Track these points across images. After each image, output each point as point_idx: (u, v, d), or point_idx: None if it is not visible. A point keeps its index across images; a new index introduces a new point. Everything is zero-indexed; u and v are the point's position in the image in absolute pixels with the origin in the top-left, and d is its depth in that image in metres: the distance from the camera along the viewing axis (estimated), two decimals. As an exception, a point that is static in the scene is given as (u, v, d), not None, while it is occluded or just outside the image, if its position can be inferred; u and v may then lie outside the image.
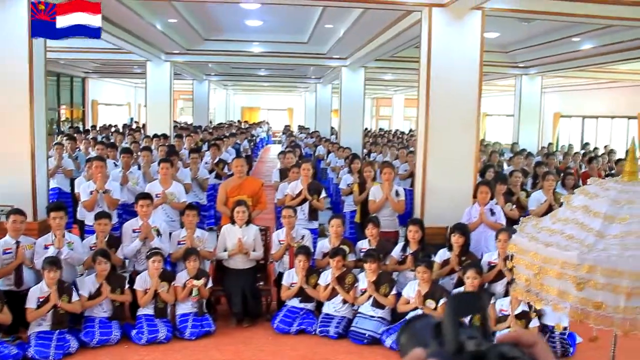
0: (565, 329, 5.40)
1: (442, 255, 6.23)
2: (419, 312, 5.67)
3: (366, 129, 21.28)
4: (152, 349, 5.47)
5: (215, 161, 10.39)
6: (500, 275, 5.81)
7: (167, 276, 5.99)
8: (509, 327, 5.32)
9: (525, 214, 7.13)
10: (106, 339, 5.49)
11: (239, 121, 30.97)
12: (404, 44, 10.35)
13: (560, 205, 3.12)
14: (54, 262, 5.42)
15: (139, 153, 9.33)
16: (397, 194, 7.31)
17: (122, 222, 6.96)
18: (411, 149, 11.72)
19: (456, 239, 6.11)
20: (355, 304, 6.03)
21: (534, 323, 5.33)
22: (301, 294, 6.14)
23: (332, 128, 21.06)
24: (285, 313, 6.07)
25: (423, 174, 7.14)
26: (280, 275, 6.47)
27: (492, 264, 5.91)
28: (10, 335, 5.35)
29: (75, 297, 5.56)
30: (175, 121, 19.21)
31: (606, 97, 19.21)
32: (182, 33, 12.37)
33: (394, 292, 5.94)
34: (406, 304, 5.80)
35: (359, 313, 5.95)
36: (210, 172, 9.95)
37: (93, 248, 6.12)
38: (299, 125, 29.45)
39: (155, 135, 12.69)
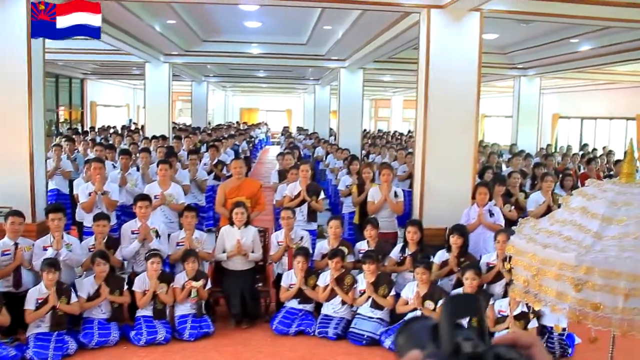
0: (564, 329, 5.41)
1: (440, 256, 6.24)
2: (418, 313, 5.67)
3: (365, 130, 21.29)
4: (151, 350, 5.47)
5: (214, 162, 10.39)
6: (499, 276, 5.81)
7: (166, 277, 5.99)
8: (507, 328, 5.32)
9: (523, 215, 7.14)
10: (105, 340, 5.49)
11: (237, 122, 30.99)
12: (403, 46, 10.36)
13: (559, 206, 3.13)
14: (52, 264, 5.43)
15: (138, 154, 9.33)
16: (395, 195, 7.32)
17: (121, 223, 6.96)
18: (410, 150, 11.74)
19: (455, 240, 6.11)
20: (354, 305, 6.03)
21: (533, 324, 5.33)
22: (300, 295, 6.14)
23: (330, 129, 21.07)
24: (284, 314, 6.07)
25: (422, 175, 7.14)
26: (279, 276, 6.47)
27: (491, 265, 5.92)
28: (8, 336, 5.36)
29: (74, 299, 5.56)
30: (174, 122, 19.20)
31: (605, 99, 19.23)
32: (181, 34, 12.37)
33: (392, 293, 5.95)
34: (405, 305, 5.80)
35: (358, 314, 5.96)
36: (209, 173, 9.96)
37: (92, 249, 6.12)
38: (298, 127, 29.45)
39: (153, 137, 12.68)
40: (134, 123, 26.03)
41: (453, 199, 7.02)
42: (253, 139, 24.20)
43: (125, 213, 7.70)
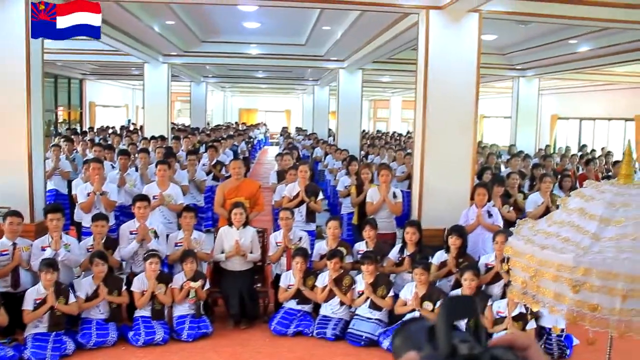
0: (562, 331, 5.41)
1: (439, 257, 6.24)
2: (417, 314, 5.67)
3: (364, 131, 21.29)
4: (149, 351, 5.47)
5: (213, 163, 10.38)
6: (497, 277, 5.82)
7: (165, 278, 5.99)
8: (506, 329, 5.33)
9: (522, 215, 7.15)
10: (103, 340, 5.49)
11: (236, 123, 30.99)
12: (402, 46, 10.37)
13: (557, 207, 3.13)
14: (50, 264, 5.42)
15: (137, 155, 9.32)
16: (394, 195, 7.32)
17: (120, 223, 6.96)
18: (409, 151, 11.74)
19: (453, 241, 6.11)
20: (353, 305, 6.03)
21: (531, 325, 5.33)
22: (298, 296, 6.14)
23: (329, 130, 21.07)
24: (282, 315, 6.07)
25: (420, 176, 7.15)
26: (278, 277, 6.47)
27: (490, 266, 5.92)
28: (6, 337, 5.35)
29: (72, 299, 5.56)
30: (172, 123, 19.20)
31: (603, 100, 19.25)
32: (180, 35, 12.37)
33: (391, 294, 5.95)
34: (403, 305, 5.80)
35: (356, 315, 5.96)
36: (208, 173, 9.95)
37: (90, 250, 6.11)
38: (297, 127, 29.46)
39: (152, 137, 12.67)
40: (133, 123, 26.03)
41: (452, 200, 7.02)
42: (252, 140, 24.20)
43: (124, 213, 7.70)
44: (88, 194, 6.98)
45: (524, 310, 5.30)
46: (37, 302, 5.38)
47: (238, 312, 6.12)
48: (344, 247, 6.43)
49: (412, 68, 7.94)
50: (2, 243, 5.73)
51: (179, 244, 6.42)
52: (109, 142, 12.46)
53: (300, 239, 6.61)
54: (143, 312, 5.84)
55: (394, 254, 6.46)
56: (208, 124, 25.33)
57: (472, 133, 7.20)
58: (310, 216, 7.45)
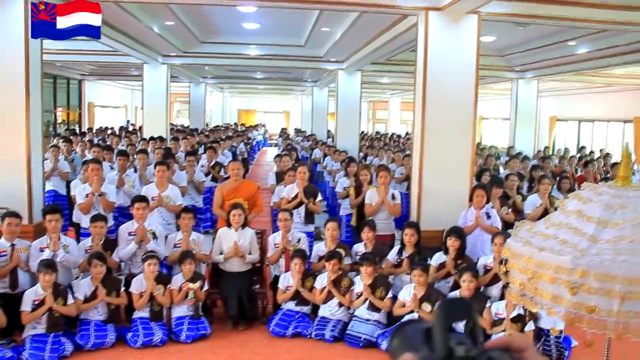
0: (560, 332, 5.42)
1: (438, 258, 6.25)
2: (415, 315, 5.68)
3: (362, 132, 21.30)
4: (148, 352, 5.47)
5: (212, 164, 10.39)
6: (496, 279, 5.82)
7: (163, 279, 5.99)
8: (504, 330, 5.33)
9: (521, 217, 7.15)
10: (101, 342, 5.49)
11: (235, 124, 30.99)
12: (401, 48, 10.37)
13: (556, 209, 3.14)
14: (49, 265, 5.42)
15: (135, 156, 9.33)
16: (393, 197, 7.32)
17: (118, 224, 6.96)
18: (407, 152, 11.75)
19: (452, 243, 6.12)
20: (351, 307, 6.04)
21: (530, 327, 5.34)
22: (297, 297, 6.14)
23: (328, 131, 21.09)
24: (281, 316, 6.07)
25: (419, 178, 7.15)
26: (276, 278, 6.47)
27: (488, 268, 5.93)
28: (4, 338, 5.34)
29: (70, 300, 5.56)
30: (171, 124, 19.21)
31: (602, 101, 19.27)
32: (179, 36, 12.37)
33: (389, 295, 5.95)
34: (402, 307, 5.80)
35: (355, 316, 5.96)
36: (207, 175, 9.96)
37: (89, 251, 6.11)
38: (296, 129, 29.49)
39: (151, 138, 12.68)
40: (132, 124, 26.02)
41: (450, 202, 7.02)
42: (251, 141, 24.20)
43: (123, 214, 7.70)
44: (87, 195, 6.98)
45: (522, 312, 5.31)
46: (36, 303, 5.38)
47: (237, 313, 6.12)
48: (342, 249, 6.43)
49: (411, 69, 7.95)
50: (1, 244, 5.72)
51: (177, 245, 6.42)
52: (108, 143, 12.47)
53: (299, 240, 6.62)
54: (142, 313, 5.84)
55: (392, 256, 6.46)
56: (207, 125, 25.32)
57: (471, 134, 7.21)
58: (309, 217, 7.45)
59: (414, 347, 0.83)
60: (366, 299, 5.93)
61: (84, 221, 6.96)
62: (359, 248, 6.59)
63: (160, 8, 9.38)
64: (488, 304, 5.55)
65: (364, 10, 7.79)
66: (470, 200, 6.87)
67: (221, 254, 6.34)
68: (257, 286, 6.54)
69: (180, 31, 11.77)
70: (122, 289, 5.92)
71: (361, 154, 15.12)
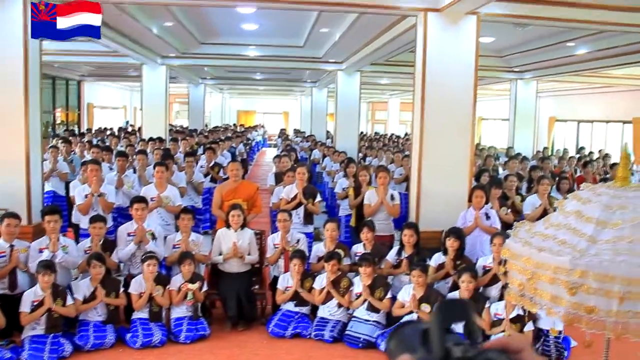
0: (560, 332, 5.42)
1: (437, 259, 6.24)
2: (414, 316, 5.68)
3: (362, 132, 21.30)
4: (147, 353, 5.46)
5: (211, 165, 10.39)
6: (495, 279, 5.82)
7: (162, 280, 5.98)
8: (503, 331, 5.33)
9: (520, 218, 7.15)
10: (100, 342, 5.48)
11: (234, 125, 30.99)
12: (400, 48, 10.38)
13: (555, 209, 3.14)
14: (48, 266, 5.41)
15: (135, 156, 9.33)
16: (392, 198, 7.32)
17: (117, 225, 6.96)
18: (406, 153, 11.75)
19: (451, 243, 6.12)
20: (351, 307, 6.03)
21: (529, 327, 5.34)
22: (296, 298, 6.14)
23: (327, 132, 21.09)
24: (280, 317, 6.07)
25: (418, 178, 7.15)
26: (275, 279, 6.47)
27: (487, 268, 5.93)
28: (3, 339, 5.34)
29: (69, 301, 5.55)
30: (170, 124, 19.21)
31: (601, 102, 19.28)
32: (178, 36, 12.37)
33: (389, 296, 5.95)
34: (401, 307, 5.80)
35: (354, 317, 5.96)
36: (206, 175, 9.95)
37: (88, 252, 6.11)
38: (295, 129, 29.49)
39: (150, 139, 12.68)
40: (131, 125, 26.02)
41: (449, 202, 7.02)
42: (250, 142, 24.20)
43: (122, 215, 7.70)
44: (86, 196, 6.98)
45: (521, 312, 5.31)
46: (35, 304, 5.37)
47: (236, 314, 6.12)
48: (341, 249, 6.43)
49: (410, 70, 7.95)
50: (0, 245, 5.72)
51: (176, 246, 6.42)
52: (107, 144, 12.45)
53: (298, 241, 6.62)
54: (141, 314, 5.84)
55: (391, 256, 6.46)
56: (206, 125, 25.34)
57: (470, 135, 7.21)
58: (308, 218, 7.45)
59: (411, 348, 0.83)
60: (365, 300, 5.93)
61: (83, 222, 6.96)
62: (358, 249, 6.59)
63: (159, 9, 9.38)
64: (487, 305, 5.55)
65: (363, 11, 7.79)
66: (470, 200, 6.88)
67: (220, 254, 6.34)
68: (256, 287, 6.54)
69: (179, 32, 11.77)
70: (121, 289, 5.92)
71: (360, 155, 15.12)
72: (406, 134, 24.72)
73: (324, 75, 17.74)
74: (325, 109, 21.47)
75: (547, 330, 5.37)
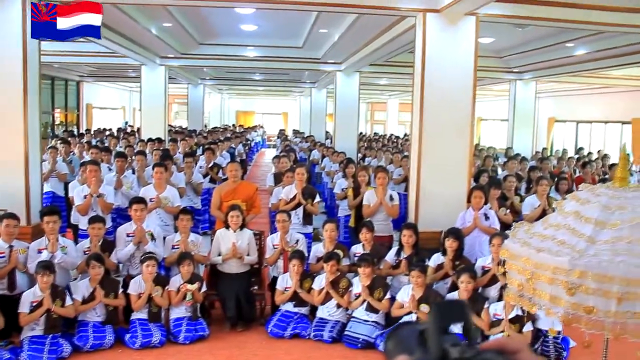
0: (559, 333, 5.42)
1: (436, 259, 6.25)
2: (413, 316, 5.68)
3: (361, 133, 21.30)
4: (146, 353, 5.46)
5: (210, 165, 10.38)
6: (494, 280, 5.82)
7: (161, 280, 5.98)
8: (503, 331, 5.33)
9: (519, 218, 7.16)
10: (100, 343, 5.48)
11: (233, 125, 30.99)
12: (399, 49, 10.38)
13: (554, 210, 3.14)
14: (47, 267, 5.41)
15: (134, 157, 9.32)
16: (391, 198, 7.32)
17: (116, 226, 6.95)
18: (405, 153, 11.76)
19: (450, 244, 6.12)
20: (350, 308, 6.04)
21: (528, 327, 5.34)
22: (295, 299, 6.14)
23: (326, 132, 21.09)
24: (279, 317, 6.07)
25: (417, 179, 7.15)
26: (275, 279, 6.47)
27: (486, 269, 5.93)
28: (2, 339, 5.34)
29: (68, 302, 5.55)
30: (169, 125, 19.20)
31: (600, 102, 19.30)
32: (177, 37, 12.37)
33: (388, 296, 5.95)
34: (400, 308, 5.81)
35: (353, 317, 5.96)
36: (205, 176, 9.95)
37: (87, 252, 6.11)
38: (294, 130, 29.48)
39: (149, 139, 12.68)
40: (130, 126, 26.00)
41: (448, 203, 7.03)
42: (249, 142, 24.20)
43: (121, 216, 7.70)
44: (85, 197, 6.98)
45: (520, 313, 5.31)
46: (34, 304, 5.37)
47: (235, 314, 6.12)
48: (340, 250, 6.44)
49: (409, 71, 7.95)
50: (-2, 245, 5.72)
51: (175, 247, 6.42)
52: (106, 145, 12.45)
53: (297, 241, 6.62)
54: (140, 314, 5.83)
55: (390, 257, 6.46)
56: (205, 126, 25.34)
57: (469, 136, 7.21)
58: (307, 219, 7.45)
59: (408, 349, 0.83)
60: (364, 300, 5.93)
61: (82, 222, 6.96)
62: (357, 249, 6.59)
63: (158, 10, 9.38)
64: (486, 305, 5.55)
65: (362, 11, 7.80)
66: (469, 201, 6.88)
67: (219, 255, 6.34)
68: (256, 287, 6.54)
69: (178, 33, 11.77)
70: (121, 290, 5.91)
71: (359, 155, 15.12)
72: (405, 135, 24.72)
73: (323, 75, 17.74)
74: (325, 109, 21.47)
75: (546, 331, 5.37)
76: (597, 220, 2.74)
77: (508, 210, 7.33)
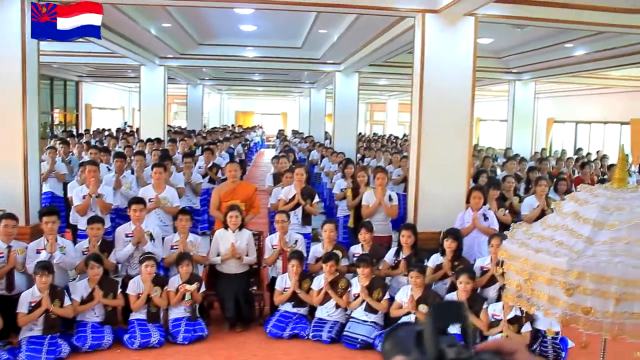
0: (557, 333, 5.42)
1: (435, 260, 6.25)
2: (412, 317, 5.68)
3: (360, 133, 21.30)
4: (145, 354, 5.46)
5: (209, 165, 10.39)
6: (492, 280, 5.83)
7: (160, 281, 5.98)
8: (501, 331, 5.33)
9: (518, 219, 7.16)
10: (98, 343, 5.48)
11: (232, 125, 30.99)
12: (398, 50, 10.38)
13: (552, 210, 3.15)
14: (46, 267, 5.41)
15: (133, 157, 9.32)
16: (390, 199, 7.32)
17: (115, 226, 6.95)
18: (405, 154, 11.76)
19: (449, 244, 6.12)
20: (348, 308, 6.04)
21: (527, 328, 5.34)
22: (294, 299, 6.14)
23: (326, 133, 21.09)
24: (278, 318, 6.07)
25: (416, 179, 7.16)
26: (273, 279, 6.47)
27: (485, 269, 5.93)
28: (1, 340, 5.33)
29: (67, 302, 5.55)
30: (169, 125, 19.19)
31: (599, 103, 19.32)
32: (176, 38, 12.37)
33: (386, 296, 5.95)
34: (399, 308, 5.81)
35: (352, 318, 5.96)
36: (204, 176, 9.95)
37: (85, 252, 6.10)
38: (293, 130, 29.49)
39: (148, 140, 12.67)
40: (129, 126, 25.98)
41: (447, 203, 7.03)
42: (248, 142, 24.20)
43: (120, 216, 7.69)
44: (84, 197, 6.98)
45: (519, 313, 5.31)
46: (32, 305, 5.36)
47: (234, 315, 6.12)
48: (339, 250, 6.44)
49: (408, 71, 7.95)
50: (-3, 246, 5.71)
51: (174, 247, 6.42)
52: (105, 145, 12.45)
53: (296, 241, 6.62)
54: (139, 314, 5.83)
55: (389, 257, 6.47)
56: (204, 126, 25.34)
57: (468, 136, 7.21)
58: (306, 219, 7.46)
59: (405, 350, 0.83)
60: (363, 301, 5.93)
61: (81, 223, 6.95)
62: (356, 249, 6.59)
63: (157, 10, 9.38)
64: (485, 306, 5.55)
65: (361, 12, 7.80)
66: (468, 201, 6.88)
67: (218, 255, 6.34)
68: (254, 288, 6.54)
69: (178, 33, 11.77)
70: (119, 290, 5.91)
71: (359, 156, 15.12)
72: (404, 135, 24.72)
73: (322, 76, 17.75)
74: (324, 109, 21.48)
75: (545, 331, 5.37)
76: (595, 221, 2.74)
77: (507, 211, 7.33)
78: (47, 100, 20.15)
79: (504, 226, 6.66)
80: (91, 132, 18.05)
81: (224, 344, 5.77)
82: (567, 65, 12.77)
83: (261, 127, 36.29)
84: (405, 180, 9.76)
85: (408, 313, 5.72)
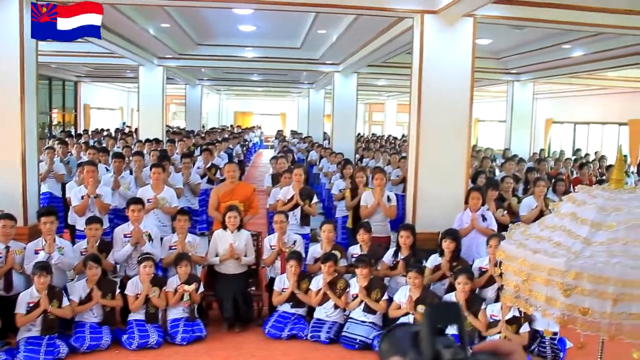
0: (555, 334, 5.43)
1: (433, 260, 6.25)
2: (410, 317, 5.69)
3: (359, 134, 21.30)
4: (143, 354, 5.46)
5: (208, 166, 10.38)
6: (491, 281, 5.83)
7: (159, 281, 5.98)
8: (499, 332, 5.34)
9: (516, 219, 7.17)
10: (96, 344, 5.47)
11: (231, 126, 30.98)
12: (397, 50, 10.39)
13: (551, 211, 3.15)
14: (44, 267, 5.40)
15: (131, 158, 9.31)
16: (388, 199, 7.33)
17: (114, 227, 6.94)
18: (403, 154, 11.76)
19: (447, 245, 6.12)
20: (347, 309, 6.04)
21: (525, 328, 5.35)
22: (292, 299, 6.14)
23: (324, 133, 21.08)
24: (276, 318, 6.07)
25: (415, 180, 7.16)
26: (272, 280, 6.47)
27: (483, 270, 5.93)
28: (-1, 340, 5.33)
29: (65, 302, 5.54)
30: (167, 126, 19.19)
31: (597, 104, 19.34)
32: (175, 38, 12.36)
33: (385, 297, 5.96)
34: (397, 309, 5.81)
35: (351, 318, 5.96)
36: (203, 177, 9.94)
37: (84, 253, 6.10)
38: (292, 130, 29.47)
39: (147, 140, 12.66)
40: (128, 126, 25.96)
41: (446, 204, 7.03)
42: (247, 143, 24.19)
43: (118, 216, 7.68)
44: (82, 197, 6.97)
45: (517, 314, 5.32)
46: (30, 305, 5.36)
47: (232, 315, 6.12)
48: (338, 251, 6.44)
49: (407, 72, 7.96)
50: (-4, 246, 5.71)
51: (173, 247, 6.41)
52: (104, 145, 12.45)
53: (295, 242, 6.61)
54: (137, 315, 5.83)
55: (388, 258, 6.47)
56: (203, 126, 25.33)
57: (467, 137, 7.22)
58: (305, 219, 7.46)
59: (402, 351, 0.83)
60: (362, 301, 5.93)
61: (79, 223, 6.94)
62: (355, 250, 6.59)
63: (156, 10, 9.37)
64: (483, 306, 5.56)
65: (360, 13, 7.80)
66: (466, 202, 6.89)
67: (217, 256, 6.34)
68: (253, 288, 6.54)
69: (176, 33, 11.77)
70: (118, 291, 5.90)
71: (357, 156, 15.12)
72: (403, 136, 24.72)
73: (321, 76, 17.75)
74: (323, 110, 21.48)
75: (543, 331, 5.38)
76: (593, 222, 2.75)
77: (505, 212, 7.34)
78: (46, 100, 20.13)
79: (503, 227, 6.66)
80: (90, 133, 18.03)
81: (222, 345, 5.77)
82: (566, 66, 12.79)
83: (260, 128, 36.29)
84: (403, 180, 9.77)
85: (406, 314, 5.72)
